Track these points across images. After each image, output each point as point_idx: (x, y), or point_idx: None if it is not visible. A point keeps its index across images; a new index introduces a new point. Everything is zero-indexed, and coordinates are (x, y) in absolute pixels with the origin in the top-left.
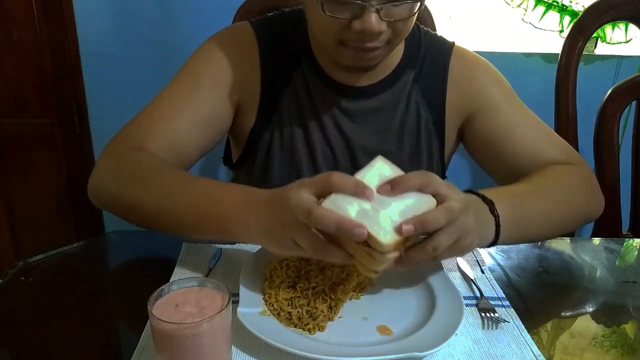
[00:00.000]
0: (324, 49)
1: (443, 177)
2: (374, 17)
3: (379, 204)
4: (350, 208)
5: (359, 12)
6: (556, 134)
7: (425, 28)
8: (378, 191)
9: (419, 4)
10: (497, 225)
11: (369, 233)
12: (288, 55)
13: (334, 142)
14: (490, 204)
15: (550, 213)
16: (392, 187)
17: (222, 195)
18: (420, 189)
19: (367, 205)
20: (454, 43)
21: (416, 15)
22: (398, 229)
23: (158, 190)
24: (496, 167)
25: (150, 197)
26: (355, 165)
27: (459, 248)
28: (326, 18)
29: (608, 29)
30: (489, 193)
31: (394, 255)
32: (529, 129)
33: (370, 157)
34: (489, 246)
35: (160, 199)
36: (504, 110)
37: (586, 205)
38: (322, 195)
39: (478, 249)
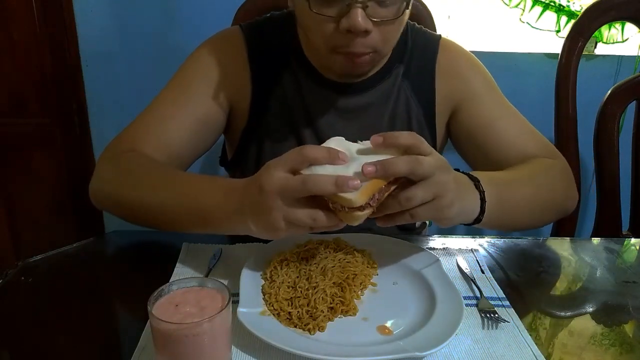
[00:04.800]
0: (318, 56)
1: None
2: (360, 13)
3: (350, 167)
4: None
5: (345, 9)
6: (535, 129)
7: (411, 22)
8: (371, 141)
9: (405, 3)
10: (482, 200)
11: (339, 195)
12: (277, 58)
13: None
14: (475, 180)
15: (534, 201)
16: (384, 140)
17: (201, 192)
18: (408, 149)
19: (340, 171)
20: (440, 36)
21: (404, 19)
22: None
23: (144, 187)
24: (479, 159)
25: (137, 193)
26: None
27: (436, 208)
28: (315, 18)
29: (604, 28)
30: (475, 174)
31: (367, 212)
32: (510, 122)
33: None
34: (473, 224)
35: (146, 195)
36: (487, 103)
37: (564, 198)
38: (295, 171)
39: (477, 250)
